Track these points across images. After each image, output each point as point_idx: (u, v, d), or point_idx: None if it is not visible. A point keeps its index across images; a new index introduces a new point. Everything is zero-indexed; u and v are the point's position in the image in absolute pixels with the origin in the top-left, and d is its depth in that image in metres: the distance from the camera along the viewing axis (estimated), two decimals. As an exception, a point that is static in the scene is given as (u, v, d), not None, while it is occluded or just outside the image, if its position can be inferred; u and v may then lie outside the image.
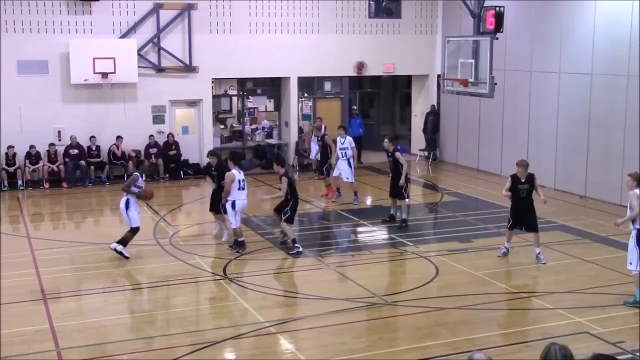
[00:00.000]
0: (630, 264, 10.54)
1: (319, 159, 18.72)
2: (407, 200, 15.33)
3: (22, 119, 19.77)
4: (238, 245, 13.34)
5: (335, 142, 17.62)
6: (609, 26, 17.26)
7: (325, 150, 18.21)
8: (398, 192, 15.14)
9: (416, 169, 22.46)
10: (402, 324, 10.23)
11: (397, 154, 15.21)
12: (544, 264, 12.44)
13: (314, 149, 19.47)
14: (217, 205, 13.84)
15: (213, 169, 14.04)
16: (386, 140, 15.50)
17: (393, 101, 27.59)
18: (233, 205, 13.05)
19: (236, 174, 13.05)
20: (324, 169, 18.20)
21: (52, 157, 19.88)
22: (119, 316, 10.36)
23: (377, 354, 8.94)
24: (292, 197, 13.25)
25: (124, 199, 12.99)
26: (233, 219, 13.13)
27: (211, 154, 14.41)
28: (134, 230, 12.97)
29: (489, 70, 14.88)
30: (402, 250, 13.68)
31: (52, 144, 19.86)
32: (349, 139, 17.50)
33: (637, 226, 10.32)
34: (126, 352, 9.09)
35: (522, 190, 12.49)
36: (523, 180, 12.49)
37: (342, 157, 17.27)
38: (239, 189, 13.04)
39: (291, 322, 10.05)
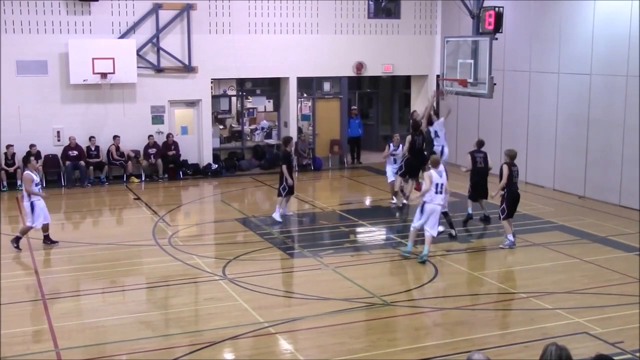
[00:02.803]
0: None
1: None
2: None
3: (21, 119, 19.77)
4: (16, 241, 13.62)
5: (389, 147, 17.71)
6: (608, 26, 17.27)
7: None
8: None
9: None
10: (401, 324, 10.23)
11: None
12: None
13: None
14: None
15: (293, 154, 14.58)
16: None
17: (392, 101, 27.56)
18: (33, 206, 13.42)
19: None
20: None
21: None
22: (118, 316, 10.34)
23: (376, 354, 8.94)
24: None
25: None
26: (30, 218, 13.50)
27: (290, 139, 15.99)
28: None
29: (488, 71, 14.87)
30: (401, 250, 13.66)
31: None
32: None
33: None
34: (125, 352, 9.08)
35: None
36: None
37: (394, 162, 17.37)
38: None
39: (290, 322, 10.04)
